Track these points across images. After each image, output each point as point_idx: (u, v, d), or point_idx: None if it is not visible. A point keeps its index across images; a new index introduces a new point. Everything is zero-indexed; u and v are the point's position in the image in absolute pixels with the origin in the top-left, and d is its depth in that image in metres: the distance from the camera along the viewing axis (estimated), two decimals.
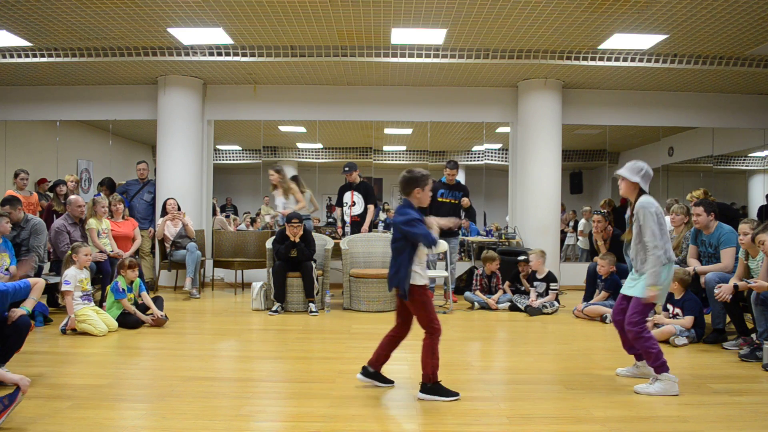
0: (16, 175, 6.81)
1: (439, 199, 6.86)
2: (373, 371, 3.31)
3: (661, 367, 3.24)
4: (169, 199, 7.23)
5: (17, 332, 3.16)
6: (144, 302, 5.23)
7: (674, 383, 3.23)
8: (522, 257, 6.62)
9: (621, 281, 5.76)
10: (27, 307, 3.25)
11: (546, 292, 6.17)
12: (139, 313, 5.10)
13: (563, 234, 9.63)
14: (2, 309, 3.17)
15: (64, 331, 4.75)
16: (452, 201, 6.79)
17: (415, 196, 3.14)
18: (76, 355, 4.13)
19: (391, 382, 3.34)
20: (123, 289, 5.07)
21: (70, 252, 5.02)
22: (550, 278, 6.22)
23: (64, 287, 4.76)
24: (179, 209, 7.16)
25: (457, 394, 3.10)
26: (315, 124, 8.88)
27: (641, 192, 3.37)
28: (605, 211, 7.88)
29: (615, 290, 5.71)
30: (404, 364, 3.95)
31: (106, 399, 3.08)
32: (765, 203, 9.52)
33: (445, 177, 6.99)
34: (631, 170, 3.37)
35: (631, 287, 3.40)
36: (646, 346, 3.28)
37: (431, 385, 3.10)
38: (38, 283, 3.37)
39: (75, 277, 4.82)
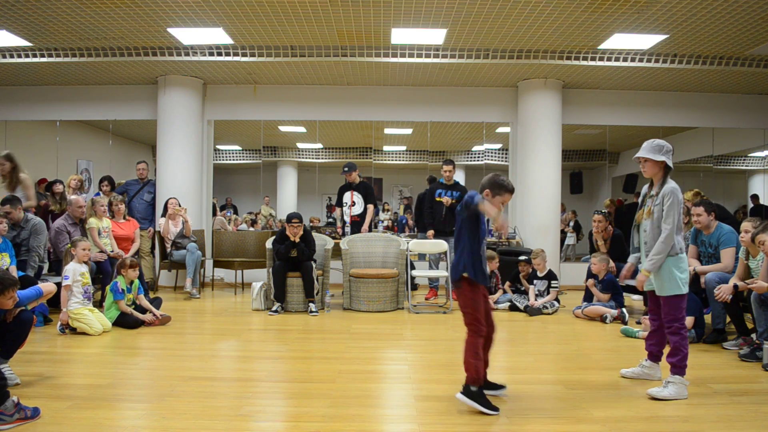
0: None
1: (437, 199, 6.88)
2: (474, 389, 3.00)
3: (681, 369, 3.20)
4: (170, 198, 7.24)
5: (20, 326, 3.17)
6: (141, 304, 5.23)
7: (685, 387, 3.19)
8: (522, 257, 6.62)
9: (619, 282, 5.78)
10: (27, 304, 3.25)
11: (547, 291, 6.17)
12: (137, 314, 5.10)
13: (563, 234, 9.63)
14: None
15: (63, 331, 4.75)
16: (452, 200, 6.79)
17: (483, 195, 3.02)
18: (75, 355, 4.13)
19: (502, 387, 3.16)
20: (122, 290, 5.07)
21: (69, 246, 5.02)
22: (551, 276, 6.22)
23: (63, 282, 4.76)
24: (180, 206, 7.18)
25: (497, 410, 2.88)
26: (315, 124, 8.88)
27: (667, 170, 3.30)
28: (606, 211, 7.88)
29: (613, 291, 5.71)
30: (404, 364, 3.95)
31: (106, 399, 3.08)
32: (752, 205, 9.55)
33: (442, 177, 7.00)
34: (653, 149, 3.29)
35: (658, 286, 3.32)
36: (680, 344, 3.23)
37: (474, 390, 2.90)
38: (49, 293, 3.40)
39: (75, 272, 4.82)
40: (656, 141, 3.33)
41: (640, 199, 3.52)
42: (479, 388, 2.91)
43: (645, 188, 3.51)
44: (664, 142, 3.32)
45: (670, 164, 3.30)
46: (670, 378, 3.21)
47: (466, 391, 2.93)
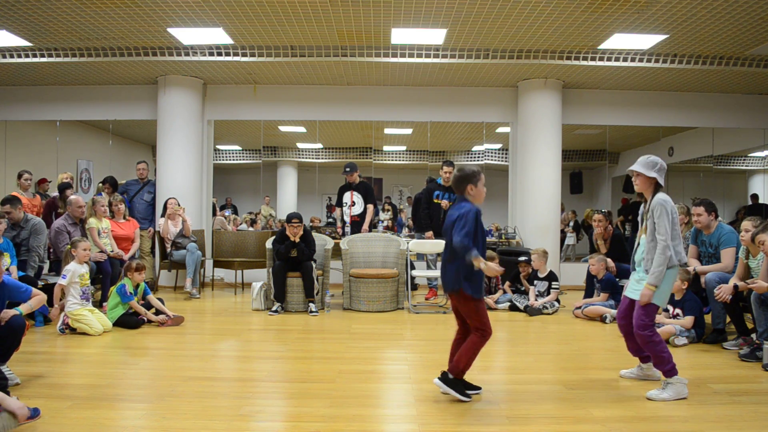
0: (19, 176, 6.80)
1: (435, 201, 6.87)
2: (453, 378, 3.15)
3: (671, 371, 3.18)
4: (170, 198, 7.24)
5: (12, 333, 3.17)
6: (150, 303, 5.25)
7: (684, 386, 3.18)
8: (522, 258, 6.62)
9: (620, 282, 5.78)
10: (21, 308, 3.26)
11: (548, 291, 6.17)
12: (149, 314, 5.13)
13: (563, 234, 9.63)
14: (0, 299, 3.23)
15: (62, 331, 4.75)
16: (449, 203, 6.79)
17: (469, 193, 3.15)
18: (75, 355, 4.13)
19: (477, 388, 3.21)
20: (130, 292, 5.08)
21: (69, 247, 5.02)
22: (552, 277, 6.22)
23: (59, 281, 4.77)
24: (179, 206, 7.18)
25: (470, 397, 3.10)
26: (315, 124, 8.88)
27: (657, 187, 3.29)
28: (606, 211, 7.88)
29: (612, 290, 5.72)
30: (404, 364, 3.95)
31: (106, 399, 3.08)
32: (750, 203, 9.56)
33: (440, 178, 6.99)
34: (646, 165, 3.27)
35: (636, 290, 3.32)
36: (656, 351, 3.20)
37: (453, 378, 3.10)
38: (40, 295, 3.40)
39: (74, 272, 4.82)
40: (651, 157, 3.31)
41: (639, 218, 3.49)
42: (458, 379, 3.11)
43: (642, 207, 3.47)
44: (659, 160, 3.30)
45: (661, 182, 3.28)
46: (669, 379, 3.20)
47: (445, 378, 3.11)
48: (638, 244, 3.45)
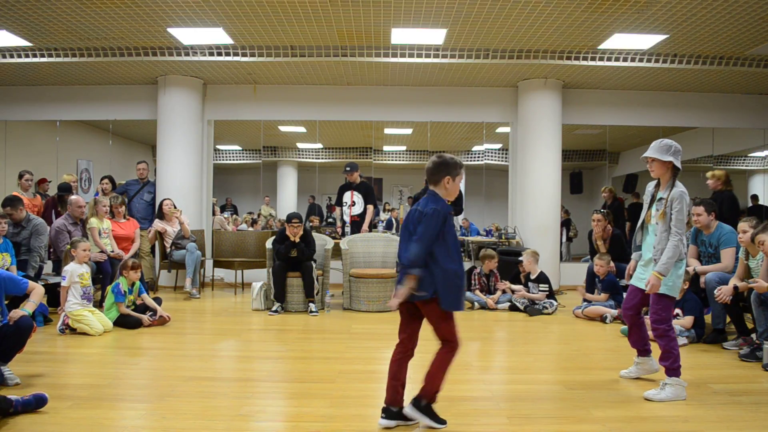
0: (20, 176, 6.80)
1: None
2: (397, 410, 2.72)
3: (675, 370, 3.18)
4: (165, 200, 7.21)
5: (18, 333, 3.17)
6: (145, 303, 5.25)
7: (683, 388, 3.17)
8: (522, 258, 6.62)
9: (620, 282, 5.78)
10: (27, 309, 3.26)
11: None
12: (135, 314, 5.11)
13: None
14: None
15: (62, 331, 4.75)
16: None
17: (445, 185, 2.68)
18: (75, 355, 4.13)
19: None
20: (124, 291, 5.07)
21: (69, 247, 5.02)
22: (541, 279, 6.21)
23: (62, 283, 4.77)
24: (176, 208, 7.17)
25: (444, 423, 2.72)
26: (315, 124, 8.88)
27: (675, 171, 3.25)
28: (605, 210, 7.86)
29: (613, 291, 5.72)
30: None
31: (106, 399, 3.08)
32: (752, 204, 9.55)
33: None
34: (660, 149, 3.24)
35: (643, 279, 3.31)
36: (668, 346, 3.20)
37: (425, 404, 2.70)
38: (37, 288, 3.40)
39: (74, 273, 4.82)
40: (665, 141, 3.29)
41: (647, 198, 3.47)
42: (429, 404, 2.72)
43: (651, 186, 3.45)
44: (673, 142, 3.27)
45: (678, 165, 3.25)
46: (667, 380, 3.19)
47: (417, 404, 2.69)
48: (641, 224, 3.42)
